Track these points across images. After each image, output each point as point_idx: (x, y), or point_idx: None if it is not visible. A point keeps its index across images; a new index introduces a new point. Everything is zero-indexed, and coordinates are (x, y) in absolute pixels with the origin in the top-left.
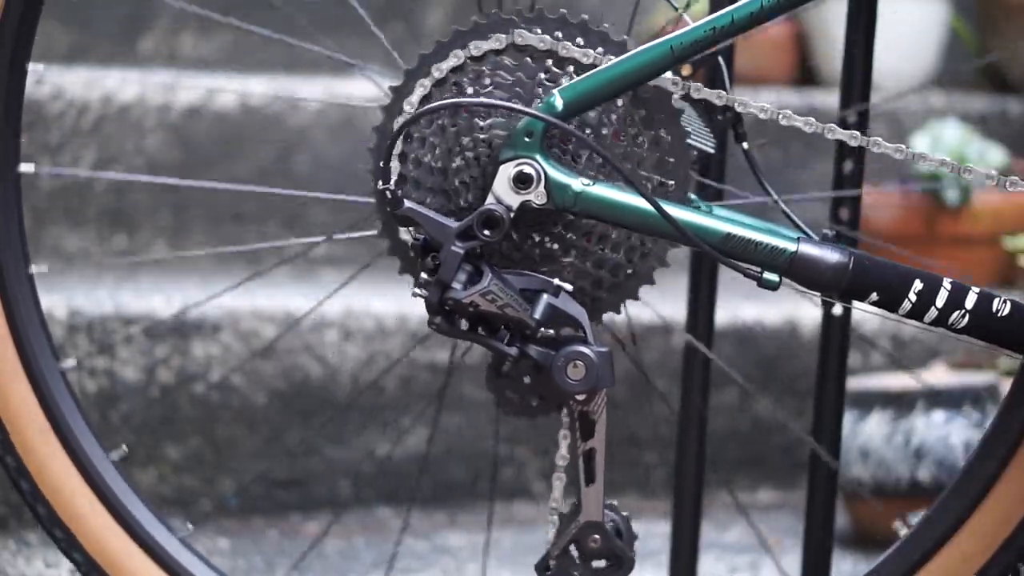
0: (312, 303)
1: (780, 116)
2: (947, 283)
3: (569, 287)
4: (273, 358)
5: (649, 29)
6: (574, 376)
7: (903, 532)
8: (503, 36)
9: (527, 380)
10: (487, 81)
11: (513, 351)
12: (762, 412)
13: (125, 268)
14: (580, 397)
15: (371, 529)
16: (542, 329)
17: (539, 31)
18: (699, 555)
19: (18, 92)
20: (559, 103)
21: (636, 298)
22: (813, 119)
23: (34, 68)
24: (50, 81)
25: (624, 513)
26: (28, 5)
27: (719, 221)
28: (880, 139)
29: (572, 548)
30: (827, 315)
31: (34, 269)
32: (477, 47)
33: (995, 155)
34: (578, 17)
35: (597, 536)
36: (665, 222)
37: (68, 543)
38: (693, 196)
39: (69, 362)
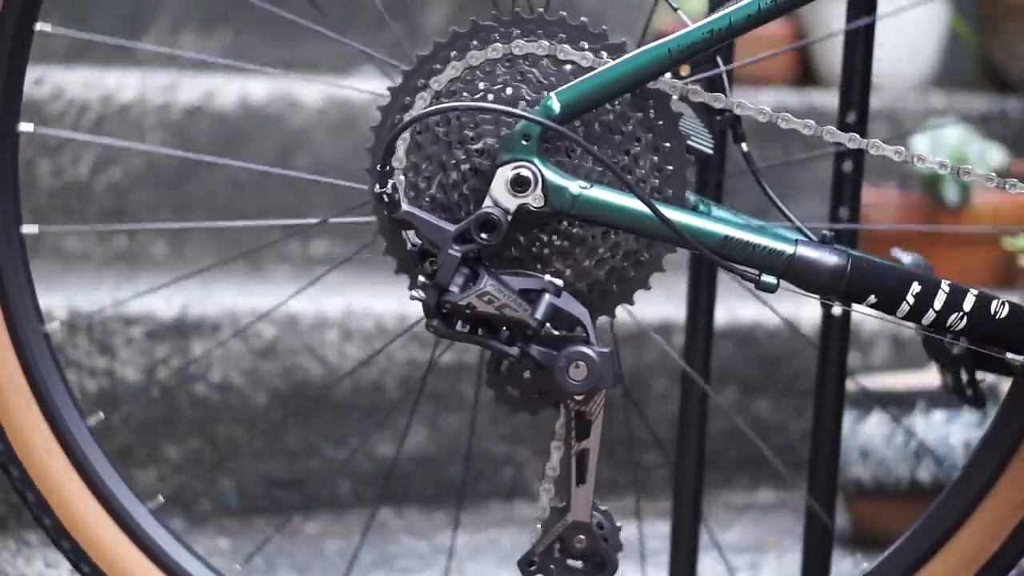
0: (311, 303)
1: (779, 119)
2: (945, 285)
3: (560, 282)
4: (273, 358)
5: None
6: (576, 376)
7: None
8: (500, 45)
9: (527, 375)
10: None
11: (514, 351)
12: (761, 412)
13: (125, 268)
14: (579, 397)
15: (371, 529)
16: (547, 326)
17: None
18: (699, 555)
19: (23, 52)
20: (556, 106)
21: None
22: (812, 121)
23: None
24: (50, 81)
25: (613, 518)
26: None
27: (717, 223)
28: (879, 141)
29: (557, 547)
30: (826, 315)
31: (25, 230)
32: (475, 56)
33: (995, 155)
34: (578, 19)
35: (583, 536)
36: (663, 225)
37: (58, 533)
38: (693, 196)
39: (53, 325)
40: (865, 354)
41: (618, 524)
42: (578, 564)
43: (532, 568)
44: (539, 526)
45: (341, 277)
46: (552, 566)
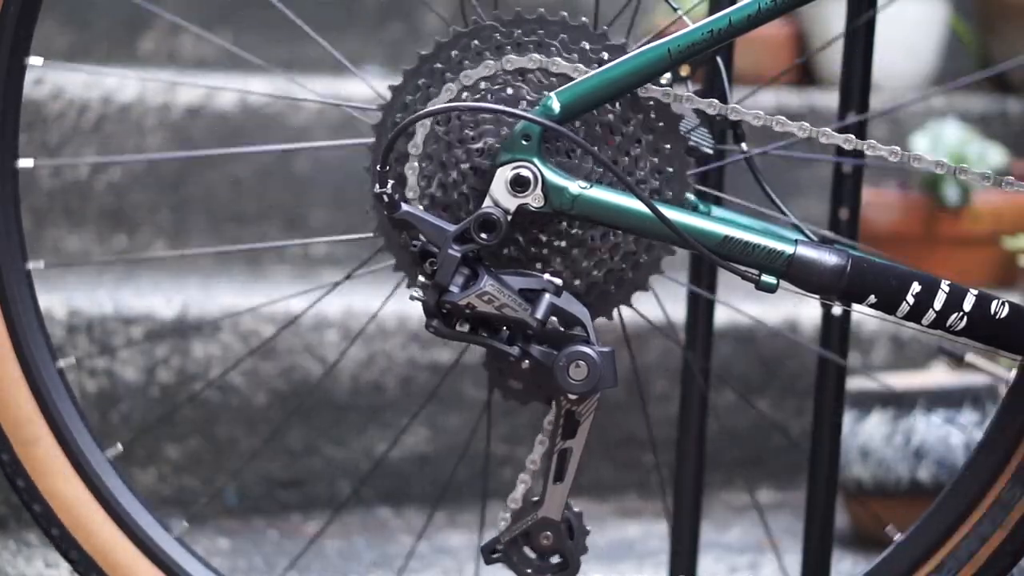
0: (311, 303)
1: (775, 122)
2: (945, 285)
3: (560, 281)
4: (273, 358)
5: (649, 30)
6: (576, 376)
7: (896, 537)
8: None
9: (525, 365)
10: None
11: (514, 351)
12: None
13: (125, 268)
14: (573, 396)
15: (371, 529)
16: (551, 320)
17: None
18: (699, 555)
19: (16, 88)
20: (556, 106)
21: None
22: (807, 123)
23: (33, 62)
24: (50, 81)
25: (583, 520)
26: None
27: (717, 223)
28: (875, 141)
29: (522, 539)
30: (827, 315)
31: (31, 266)
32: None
33: (995, 155)
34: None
35: (550, 534)
36: (663, 225)
37: (65, 541)
38: (693, 196)
39: (67, 360)
40: (865, 354)
41: (588, 528)
42: (541, 560)
43: (494, 556)
44: (508, 515)
45: (341, 277)
46: (514, 557)
